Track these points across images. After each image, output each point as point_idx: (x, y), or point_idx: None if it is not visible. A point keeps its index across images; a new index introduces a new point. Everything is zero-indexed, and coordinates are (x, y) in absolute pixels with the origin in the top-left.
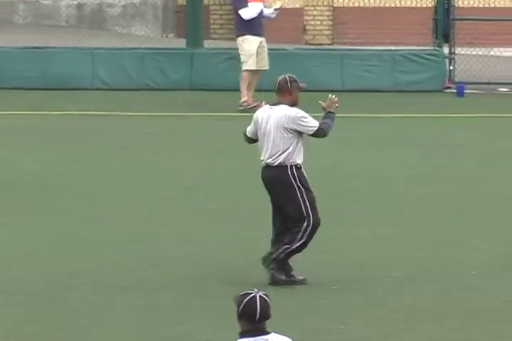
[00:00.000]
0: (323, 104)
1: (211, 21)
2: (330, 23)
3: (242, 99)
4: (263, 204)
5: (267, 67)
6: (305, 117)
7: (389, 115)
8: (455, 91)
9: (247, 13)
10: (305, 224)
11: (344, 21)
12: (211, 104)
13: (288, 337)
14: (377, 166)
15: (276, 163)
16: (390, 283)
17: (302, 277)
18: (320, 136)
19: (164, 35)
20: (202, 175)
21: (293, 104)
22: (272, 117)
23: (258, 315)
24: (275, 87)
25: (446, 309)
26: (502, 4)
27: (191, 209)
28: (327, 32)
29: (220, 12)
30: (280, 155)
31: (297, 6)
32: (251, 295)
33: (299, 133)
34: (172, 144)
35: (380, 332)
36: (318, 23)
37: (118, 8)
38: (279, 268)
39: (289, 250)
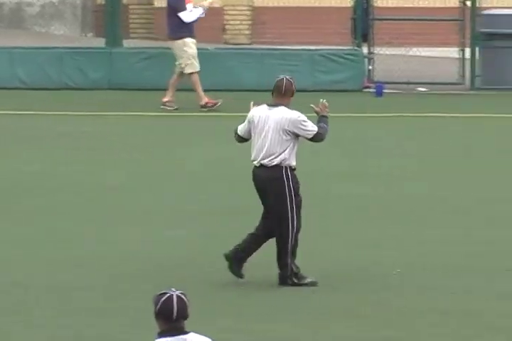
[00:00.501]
0: (316, 109)
1: (130, 20)
2: (249, 22)
3: (203, 102)
4: (187, 203)
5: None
6: (305, 121)
7: (308, 114)
8: (374, 90)
9: (188, 16)
10: (286, 231)
11: (263, 21)
12: (130, 103)
13: (207, 336)
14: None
15: (272, 164)
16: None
17: (311, 279)
18: (317, 141)
19: (83, 34)
20: (125, 174)
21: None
22: (271, 118)
23: (175, 314)
24: (280, 88)
25: (363, 308)
26: (421, 4)
27: (112, 209)
28: (246, 32)
29: (139, 11)
30: (277, 156)
31: (216, 5)
32: (167, 295)
33: (296, 136)
34: (92, 142)
35: (302, 332)
36: (238, 22)
37: (37, 8)
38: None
39: (290, 260)
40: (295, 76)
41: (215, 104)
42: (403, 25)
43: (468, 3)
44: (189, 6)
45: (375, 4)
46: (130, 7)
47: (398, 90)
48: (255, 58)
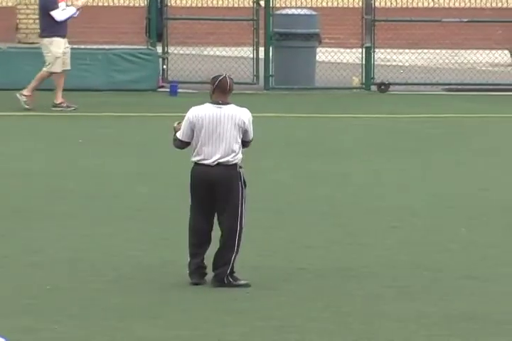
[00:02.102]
0: None
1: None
2: None
3: (60, 100)
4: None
5: (69, 67)
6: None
7: (106, 114)
8: (168, 90)
9: (61, 15)
10: (238, 226)
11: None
12: None
13: (2, 337)
14: (95, 165)
15: (233, 162)
16: (103, 282)
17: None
18: (247, 146)
19: None
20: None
21: None
22: (226, 116)
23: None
24: (225, 86)
25: (163, 308)
26: (216, 4)
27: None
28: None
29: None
30: (237, 154)
31: (10, 4)
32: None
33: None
34: None
35: (91, 332)
36: (31, 21)
37: None
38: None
39: (235, 256)
40: (90, 75)
41: (73, 107)
42: (198, 24)
43: (262, 3)
44: (62, 4)
45: (170, 4)
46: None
47: (193, 90)
48: None
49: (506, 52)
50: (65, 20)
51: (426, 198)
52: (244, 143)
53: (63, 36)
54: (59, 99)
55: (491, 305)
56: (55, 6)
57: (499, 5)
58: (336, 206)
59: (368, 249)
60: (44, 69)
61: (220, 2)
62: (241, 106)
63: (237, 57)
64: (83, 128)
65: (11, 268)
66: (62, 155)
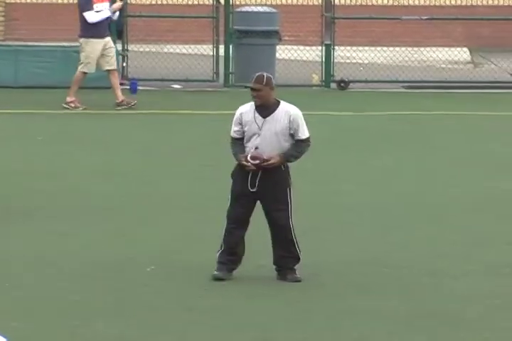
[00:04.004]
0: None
1: None
2: (2, 19)
3: (70, 99)
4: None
5: (115, 67)
6: None
7: (62, 112)
8: (128, 87)
9: (93, 16)
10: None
11: (16, 17)
12: None
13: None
14: (50, 163)
15: None
16: (64, 280)
17: None
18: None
19: None
20: None
21: None
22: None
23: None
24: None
25: (118, 306)
26: (175, 1)
27: None
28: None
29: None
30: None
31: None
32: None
33: None
34: None
35: (52, 330)
36: None
37: None
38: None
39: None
40: (49, 73)
41: (82, 108)
42: (158, 22)
43: (222, 1)
44: (98, 5)
45: (130, 1)
46: None
47: (153, 87)
48: (9, 55)
49: (465, 49)
50: (100, 22)
51: (386, 195)
52: None
53: (101, 37)
54: (120, 98)
55: (451, 302)
56: (89, 7)
57: (458, 2)
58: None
59: (328, 246)
60: (79, 69)
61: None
62: (200, 103)
63: (197, 54)
64: (37, 126)
65: None
66: (24, 152)
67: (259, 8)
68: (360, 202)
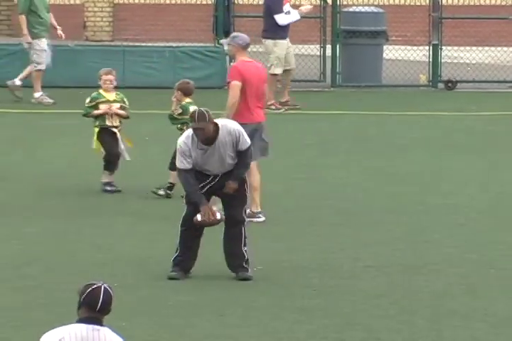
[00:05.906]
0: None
1: None
2: (110, 19)
3: (271, 102)
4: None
5: (294, 66)
6: None
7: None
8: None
9: (284, 19)
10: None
11: (124, 18)
12: None
13: (120, 336)
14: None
15: None
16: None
17: None
18: None
19: None
20: None
21: None
22: None
23: (99, 306)
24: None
25: (229, 305)
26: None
27: None
28: (107, 28)
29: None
30: None
31: (77, 2)
32: (96, 285)
33: None
34: None
35: (158, 330)
36: (99, 19)
37: None
38: None
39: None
40: (157, 73)
41: (291, 107)
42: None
43: (329, 1)
44: (286, 6)
45: (237, 1)
46: None
47: None
48: (116, 55)
49: None
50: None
51: (491, 196)
52: None
53: (286, 38)
54: (285, 98)
55: None
56: (280, 10)
57: None
58: (402, 203)
59: (435, 246)
60: (269, 72)
61: None
62: (308, 103)
63: (304, 54)
64: (146, 127)
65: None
66: None
67: (367, 8)
68: (465, 203)
